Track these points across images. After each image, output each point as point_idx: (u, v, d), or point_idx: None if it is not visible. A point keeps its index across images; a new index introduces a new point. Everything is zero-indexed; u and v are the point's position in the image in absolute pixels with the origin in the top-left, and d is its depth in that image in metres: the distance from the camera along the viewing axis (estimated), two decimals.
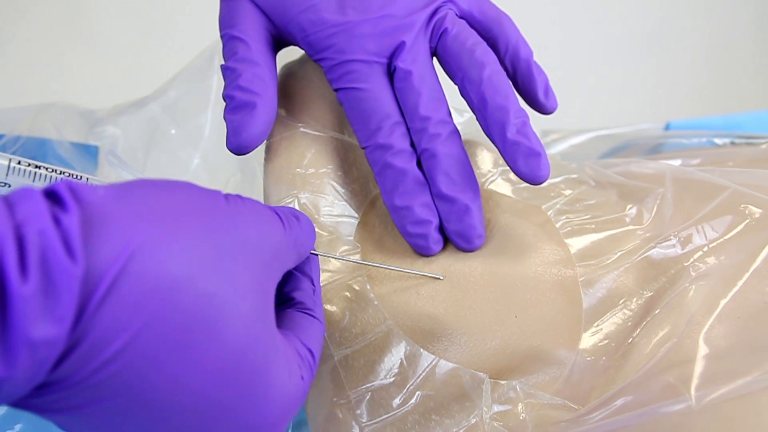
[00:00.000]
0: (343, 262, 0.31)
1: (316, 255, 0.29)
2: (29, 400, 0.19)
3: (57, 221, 0.17)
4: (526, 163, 0.30)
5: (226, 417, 0.20)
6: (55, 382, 0.18)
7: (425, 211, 0.31)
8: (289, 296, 0.27)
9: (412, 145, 0.31)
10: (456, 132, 0.32)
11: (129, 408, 0.19)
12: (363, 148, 0.32)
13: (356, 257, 0.32)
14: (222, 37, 0.32)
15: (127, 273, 0.18)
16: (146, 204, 0.19)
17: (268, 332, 0.21)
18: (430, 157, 0.31)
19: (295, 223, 0.25)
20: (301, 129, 0.34)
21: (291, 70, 0.36)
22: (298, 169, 0.33)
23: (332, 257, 0.31)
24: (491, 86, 0.30)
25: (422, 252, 0.32)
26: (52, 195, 0.18)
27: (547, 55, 0.89)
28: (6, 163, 0.25)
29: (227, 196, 0.22)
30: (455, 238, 0.32)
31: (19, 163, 0.25)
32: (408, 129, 0.31)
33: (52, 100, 0.47)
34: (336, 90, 0.32)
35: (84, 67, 0.68)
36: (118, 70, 0.72)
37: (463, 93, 0.32)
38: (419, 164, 0.31)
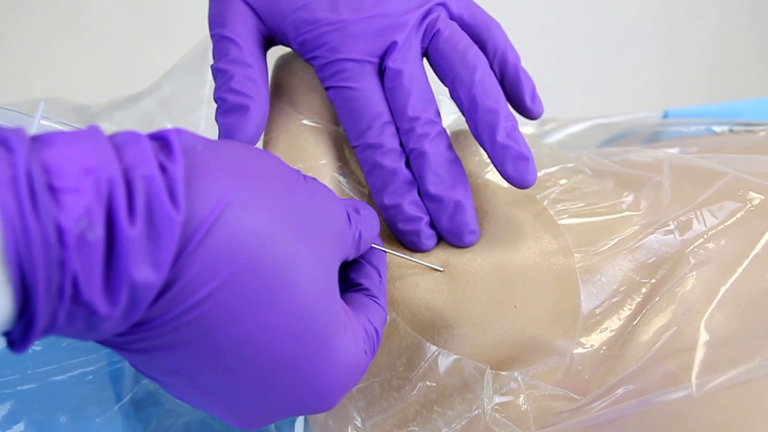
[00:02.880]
0: None
1: (383, 250, 0.30)
2: (115, 338, 0.19)
3: (163, 169, 0.18)
4: (514, 166, 0.30)
5: (292, 376, 0.21)
6: (143, 322, 0.19)
7: (414, 208, 0.31)
8: (357, 282, 0.28)
9: (401, 144, 0.32)
10: (444, 132, 0.32)
11: (204, 355, 0.20)
12: (353, 147, 0.32)
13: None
14: (212, 36, 0.32)
15: (220, 224, 0.19)
16: (239, 162, 0.20)
17: (336, 302, 0.23)
18: (418, 156, 0.31)
19: (354, 215, 0.26)
20: (300, 122, 0.33)
21: (286, 62, 0.36)
22: (298, 163, 0.33)
23: (391, 253, 0.31)
24: (482, 89, 0.31)
25: (416, 248, 0.32)
26: (158, 138, 0.19)
27: (545, 44, 0.90)
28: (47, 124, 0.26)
29: (305, 175, 0.23)
30: (447, 236, 0.32)
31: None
32: (397, 128, 0.31)
33: (47, 96, 0.46)
34: (327, 88, 0.32)
35: (78, 62, 0.68)
36: (112, 66, 0.72)
37: (453, 95, 0.32)
38: (407, 164, 0.32)
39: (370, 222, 0.27)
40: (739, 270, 0.28)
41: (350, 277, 0.28)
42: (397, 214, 0.31)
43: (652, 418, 0.25)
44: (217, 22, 0.32)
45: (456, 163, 0.32)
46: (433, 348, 0.29)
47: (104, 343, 0.20)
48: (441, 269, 0.31)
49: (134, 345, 0.20)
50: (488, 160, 0.36)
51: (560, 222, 0.33)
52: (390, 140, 0.31)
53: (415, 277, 0.31)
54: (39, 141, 0.17)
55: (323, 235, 0.22)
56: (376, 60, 0.31)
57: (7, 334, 0.17)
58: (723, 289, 0.28)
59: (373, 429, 0.29)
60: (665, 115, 0.55)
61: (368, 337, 0.25)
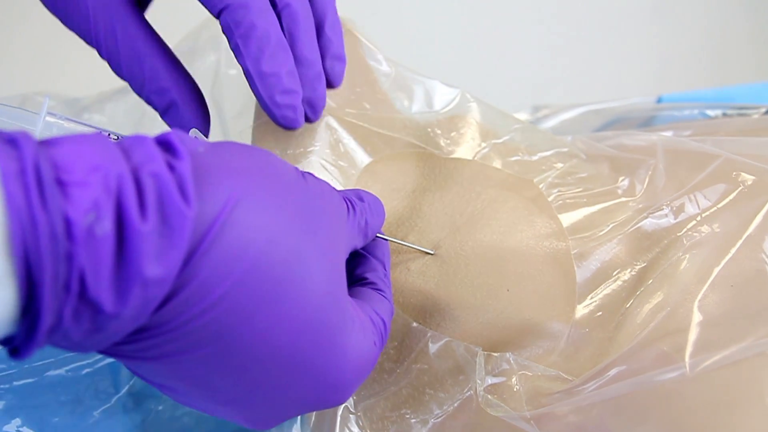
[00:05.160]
0: None
1: (386, 240, 0.29)
2: (124, 346, 0.19)
3: (171, 167, 0.18)
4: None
5: (306, 372, 0.21)
6: (153, 327, 0.18)
7: (292, 80, 0.30)
8: (362, 276, 0.27)
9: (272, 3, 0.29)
10: None
11: (218, 358, 0.19)
12: (219, 12, 0.28)
13: None
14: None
15: (231, 223, 0.18)
16: (241, 161, 0.20)
17: (344, 295, 0.22)
18: (291, 14, 0.29)
19: (359, 203, 0.26)
20: None
21: None
22: (288, 150, 0.33)
23: (395, 241, 0.31)
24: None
25: (289, 125, 0.30)
26: (162, 143, 0.19)
27: (539, 30, 0.89)
28: (52, 120, 0.25)
29: (300, 171, 0.23)
30: (304, 105, 0.31)
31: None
32: None
33: (37, 90, 0.46)
34: None
35: (68, 55, 0.67)
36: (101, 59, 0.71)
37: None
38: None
39: (375, 208, 0.27)
40: (732, 251, 0.28)
41: (355, 272, 0.28)
42: (276, 84, 0.29)
43: (645, 398, 0.25)
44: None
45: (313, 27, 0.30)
46: (425, 331, 0.29)
47: (113, 354, 0.19)
48: (432, 252, 0.31)
49: (147, 353, 0.19)
50: (480, 143, 0.36)
51: (557, 211, 0.33)
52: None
53: (407, 262, 0.31)
54: (47, 141, 0.17)
55: (327, 228, 0.22)
56: None
57: (9, 341, 0.17)
58: (716, 270, 0.28)
59: (365, 412, 0.29)
60: (659, 101, 0.55)
61: (376, 329, 0.24)
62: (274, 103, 0.30)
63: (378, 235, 0.30)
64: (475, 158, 0.35)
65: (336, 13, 0.32)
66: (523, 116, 0.55)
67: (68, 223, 0.16)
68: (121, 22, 0.29)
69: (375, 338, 0.24)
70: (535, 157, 0.36)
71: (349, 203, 0.25)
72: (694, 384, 0.24)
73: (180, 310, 0.18)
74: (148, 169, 0.17)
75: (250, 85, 0.29)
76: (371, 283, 0.27)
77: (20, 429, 0.31)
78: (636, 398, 0.25)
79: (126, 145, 0.18)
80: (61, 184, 0.16)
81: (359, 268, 0.28)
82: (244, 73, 0.28)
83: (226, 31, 0.28)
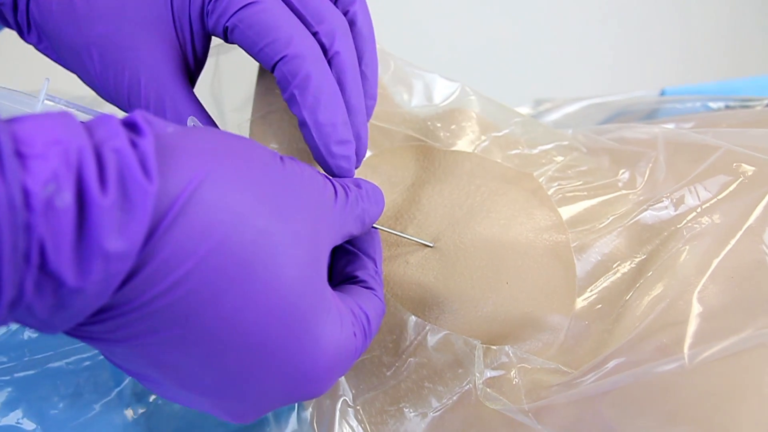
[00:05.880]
0: None
1: (380, 236, 0.29)
2: (89, 327, 0.19)
3: (134, 144, 0.18)
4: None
5: (277, 359, 0.21)
6: (118, 305, 0.18)
7: (346, 130, 0.29)
8: (352, 275, 0.27)
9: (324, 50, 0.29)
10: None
11: (184, 342, 0.19)
12: (274, 65, 0.28)
13: None
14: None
15: (195, 201, 0.18)
16: (211, 143, 0.20)
17: (320, 282, 0.22)
18: (340, 63, 0.28)
19: (354, 189, 0.26)
20: (281, 105, 0.33)
21: None
22: (286, 145, 0.32)
23: (393, 232, 0.30)
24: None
25: (343, 175, 0.30)
26: (128, 124, 0.19)
27: (543, 24, 0.89)
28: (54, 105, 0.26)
29: (281, 156, 0.23)
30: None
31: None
32: (314, 34, 0.28)
33: (37, 88, 0.46)
34: (226, 24, 0.27)
35: None
36: None
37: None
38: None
39: (373, 196, 0.27)
40: (732, 242, 0.28)
41: (345, 270, 0.28)
42: (332, 134, 0.28)
43: (644, 390, 0.25)
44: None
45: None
46: (424, 324, 0.29)
47: (82, 336, 0.19)
48: (431, 245, 0.31)
49: (114, 334, 0.19)
50: (481, 136, 0.36)
51: (557, 204, 0.33)
52: (315, 48, 0.28)
53: (406, 255, 0.31)
54: (12, 119, 0.17)
55: (304, 212, 0.22)
56: None
57: None
58: (716, 261, 0.28)
59: (364, 406, 0.29)
60: (662, 94, 0.54)
61: (357, 321, 0.24)
62: (329, 152, 0.29)
63: (377, 226, 0.29)
64: (475, 151, 0.35)
65: (374, 48, 0.31)
66: (525, 110, 0.55)
67: (26, 194, 0.16)
68: (171, 98, 0.29)
69: (355, 330, 0.24)
70: (535, 151, 0.36)
71: (342, 189, 0.25)
72: (693, 375, 0.24)
73: (143, 288, 0.18)
74: (110, 145, 0.17)
75: (304, 136, 0.29)
76: (362, 281, 0.27)
77: (20, 421, 0.31)
78: (635, 390, 0.25)
79: (91, 123, 0.18)
80: (20, 156, 0.16)
81: (350, 266, 0.27)
82: (299, 124, 0.28)
83: (282, 81, 0.28)
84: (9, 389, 0.31)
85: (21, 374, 0.32)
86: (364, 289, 0.26)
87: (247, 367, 0.20)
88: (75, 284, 0.17)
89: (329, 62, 0.28)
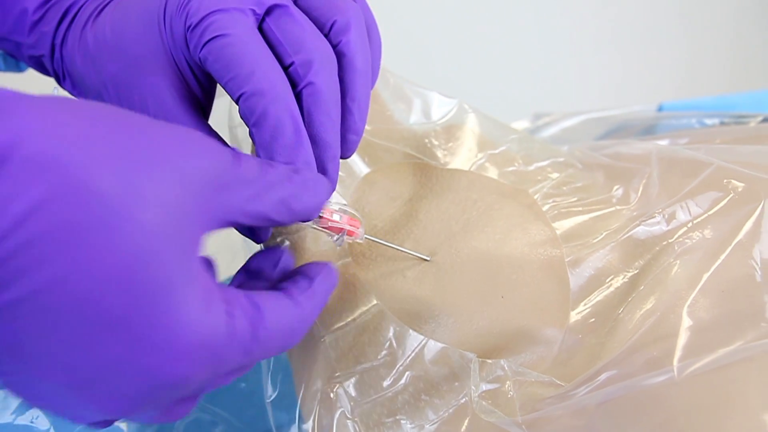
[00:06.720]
0: (331, 245, 0.32)
1: (332, 266, 0.27)
2: None
3: None
4: None
5: (126, 334, 0.19)
6: None
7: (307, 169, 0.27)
8: (280, 287, 0.25)
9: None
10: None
11: (18, 312, 0.18)
12: (237, 99, 0.27)
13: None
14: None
15: (19, 149, 0.17)
16: (52, 100, 0.19)
17: (179, 255, 0.20)
18: (312, 93, 0.27)
19: (281, 170, 0.24)
20: None
21: None
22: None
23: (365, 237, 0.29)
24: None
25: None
26: None
27: (541, 39, 0.90)
28: None
29: (154, 120, 0.21)
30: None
31: None
32: (285, 68, 0.27)
33: (37, 89, 0.47)
34: (199, 56, 0.27)
35: None
36: None
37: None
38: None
39: (312, 186, 0.25)
40: (722, 256, 0.29)
41: (279, 285, 0.26)
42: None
43: (635, 402, 0.25)
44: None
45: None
46: (420, 337, 0.30)
47: None
48: (428, 258, 0.31)
49: None
50: (477, 153, 0.36)
51: (552, 220, 0.33)
52: (279, 84, 0.27)
53: (403, 269, 0.31)
54: None
55: (171, 177, 0.20)
56: (254, 8, 0.27)
57: None
58: (706, 276, 0.28)
59: (361, 418, 0.30)
60: (659, 109, 0.55)
61: (237, 311, 0.22)
62: None
63: (374, 239, 0.30)
64: (472, 169, 0.36)
65: (367, 82, 0.29)
66: (524, 124, 0.56)
67: None
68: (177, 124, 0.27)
69: (235, 320, 0.21)
70: (531, 167, 0.37)
71: (257, 164, 0.23)
72: (682, 387, 0.25)
73: None
74: None
75: None
76: (283, 288, 0.25)
77: (34, 421, 0.32)
78: (626, 402, 0.25)
79: None
80: None
81: (284, 282, 0.26)
82: None
83: (243, 117, 0.27)
84: None
85: None
86: (277, 293, 0.24)
87: (95, 343, 0.19)
88: None
89: (300, 94, 0.27)
